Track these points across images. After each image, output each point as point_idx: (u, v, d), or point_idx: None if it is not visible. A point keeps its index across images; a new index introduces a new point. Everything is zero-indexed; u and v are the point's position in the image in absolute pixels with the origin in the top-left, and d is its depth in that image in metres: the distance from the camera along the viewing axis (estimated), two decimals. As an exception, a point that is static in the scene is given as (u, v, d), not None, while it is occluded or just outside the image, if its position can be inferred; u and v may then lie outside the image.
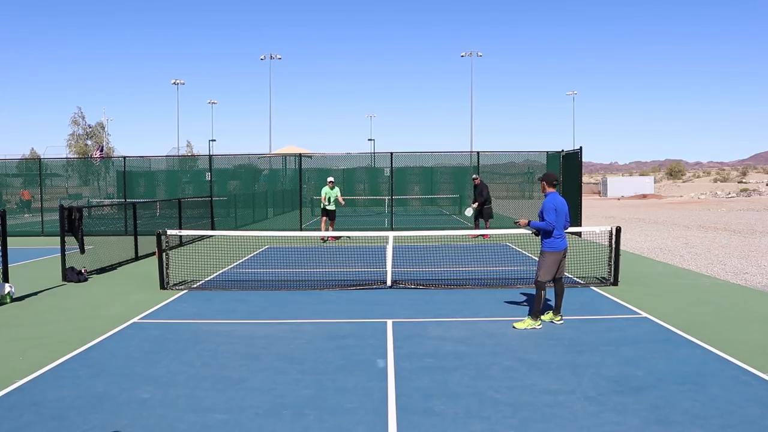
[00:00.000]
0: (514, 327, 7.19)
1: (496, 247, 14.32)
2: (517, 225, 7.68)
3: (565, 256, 7.42)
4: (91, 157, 34.55)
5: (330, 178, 17.13)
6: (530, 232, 7.59)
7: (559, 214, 7.20)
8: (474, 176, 18.18)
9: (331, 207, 16.83)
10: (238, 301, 8.95)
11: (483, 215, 17.50)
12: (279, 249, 14.74)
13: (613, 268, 9.85)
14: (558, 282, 7.47)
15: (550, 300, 7.85)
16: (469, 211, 17.85)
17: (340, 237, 16.54)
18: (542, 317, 7.45)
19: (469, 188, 21.18)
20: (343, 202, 17.18)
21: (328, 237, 16.29)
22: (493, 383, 5.35)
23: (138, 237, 13.67)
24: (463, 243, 15.79)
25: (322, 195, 16.84)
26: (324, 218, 17.02)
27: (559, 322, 7.37)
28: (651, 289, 9.65)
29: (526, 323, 7.19)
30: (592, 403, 4.88)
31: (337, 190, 16.99)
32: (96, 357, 6.24)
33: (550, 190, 7.37)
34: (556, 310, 7.45)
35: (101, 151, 38.06)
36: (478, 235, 16.60)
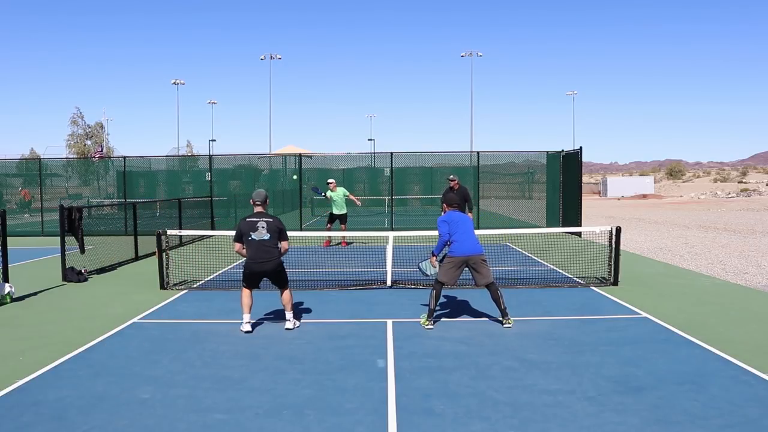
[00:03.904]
0: (419, 322, 7.38)
1: (496, 247, 14.29)
2: (433, 266, 7.62)
3: (476, 265, 7.24)
4: (90, 156, 34.55)
5: (330, 180, 15.76)
6: (441, 262, 7.45)
7: (453, 224, 7.35)
8: (451, 177, 13.87)
9: (338, 211, 15.51)
10: (239, 301, 8.92)
11: None
12: (279, 249, 14.68)
13: (613, 268, 9.86)
14: (489, 287, 7.33)
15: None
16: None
17: (344, 239, 15.88)
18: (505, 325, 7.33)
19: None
20: (358, 202, 16.10)
21: (340, 241, 15.78)
22: (493, 383, 5.35)
23: (138, 237, 13.67)
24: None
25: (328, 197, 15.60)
26: (329, 225, 15.76)
27: (507, 326, 7.23)
28: (651, 289, 9.65)
29: (423, 320, 7.37)
30: (592, 403, 4.88)
31: (341, 191, 15.53)
32: (96, 357, 6.24)
33: (447, 209, 7.57)
34: (503, 315, 7.33)
35: (101, 150, 38.12)
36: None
